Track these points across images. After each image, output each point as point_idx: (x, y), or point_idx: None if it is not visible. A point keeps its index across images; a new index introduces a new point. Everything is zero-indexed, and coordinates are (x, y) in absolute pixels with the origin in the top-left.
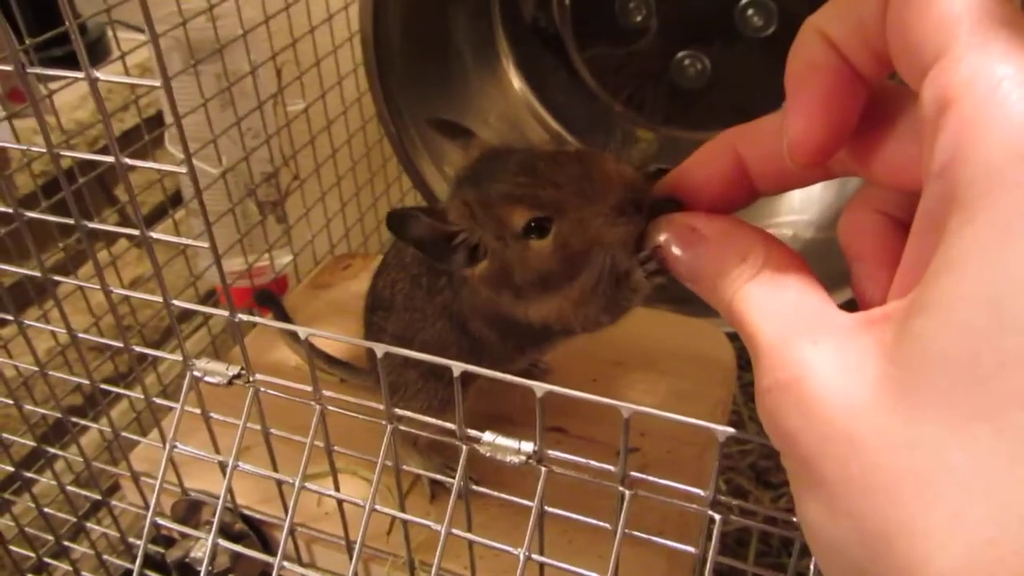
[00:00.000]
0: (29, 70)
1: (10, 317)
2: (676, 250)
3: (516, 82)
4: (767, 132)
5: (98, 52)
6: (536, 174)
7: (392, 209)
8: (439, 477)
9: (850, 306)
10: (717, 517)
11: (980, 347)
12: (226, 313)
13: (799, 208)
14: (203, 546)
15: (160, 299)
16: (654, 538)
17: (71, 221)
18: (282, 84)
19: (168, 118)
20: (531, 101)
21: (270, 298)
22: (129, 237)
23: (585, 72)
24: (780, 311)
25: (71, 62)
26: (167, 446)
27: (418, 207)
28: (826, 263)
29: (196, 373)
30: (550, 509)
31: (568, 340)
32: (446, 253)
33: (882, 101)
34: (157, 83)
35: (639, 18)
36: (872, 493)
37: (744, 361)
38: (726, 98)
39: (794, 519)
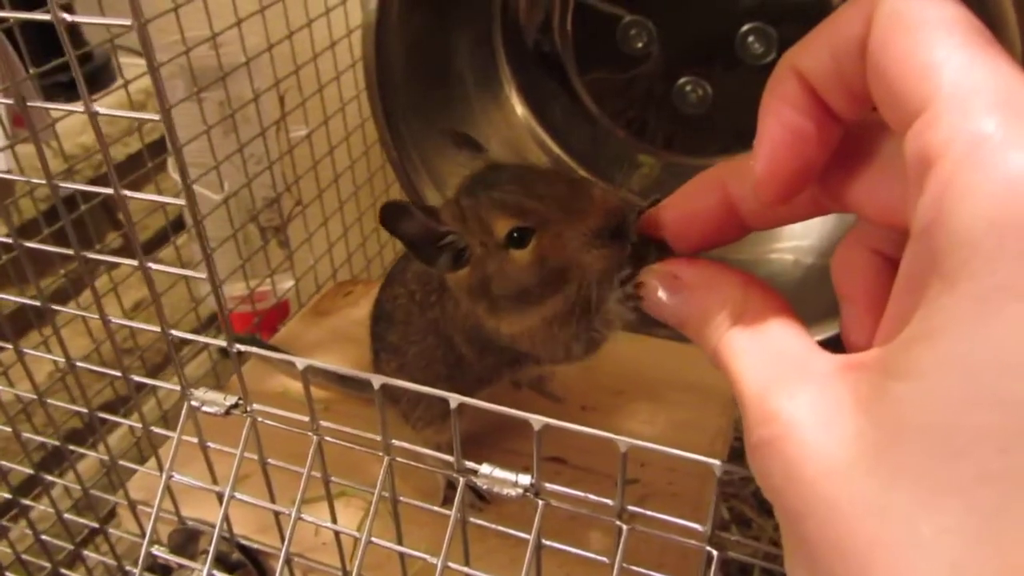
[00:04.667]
0: (30, 103)
1: (8, 346)
2: (662, 295)
3: (518, 107)
4: None
5: (103, 78)
6: (525, 185)
7: (387, 201)
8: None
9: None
10: (715, 553)
11: (955, 421)
12: (224, 343)
13: (800, 234)
14: None
15: (159, 329)
16: (652, 573)
17: (71, 251)
18: (285, 110)
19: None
20: (533, 126)
21: (254, 342)
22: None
23: (587, 97)
24: (760, 359)
25: (76, 88)
26: (164, 475)
27: (413, 202)
28: (827, 290)
29: (194, 403)
30: (548, 542)
31: (539, 368)
32: (433, 253)
33: (868, 136)
34: (156, 117)
35: (640, 44)
36: (847, 558)
37: None
38: (727, 124)
39: None
